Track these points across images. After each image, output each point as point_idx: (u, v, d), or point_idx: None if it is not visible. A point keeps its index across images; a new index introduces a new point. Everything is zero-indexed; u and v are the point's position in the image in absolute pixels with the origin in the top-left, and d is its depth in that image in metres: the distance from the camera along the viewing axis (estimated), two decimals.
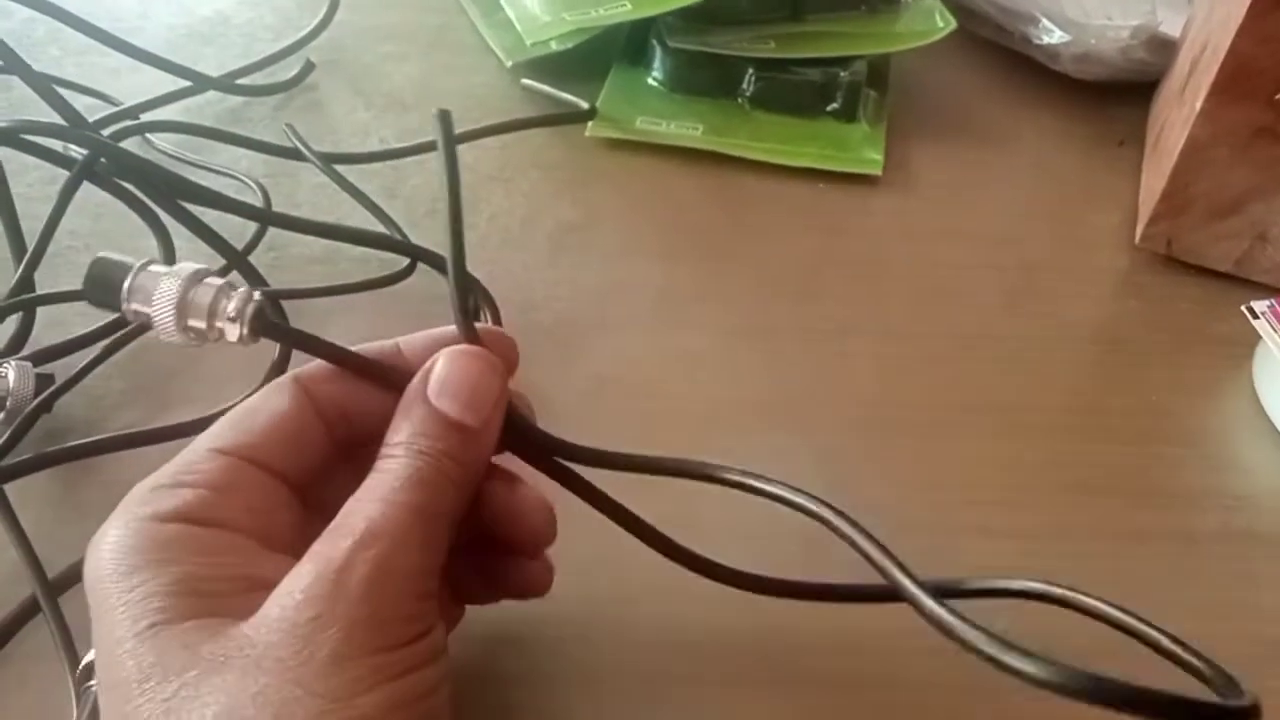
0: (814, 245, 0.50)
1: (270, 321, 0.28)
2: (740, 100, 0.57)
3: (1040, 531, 0.39)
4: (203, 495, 0.25)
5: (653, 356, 0.45)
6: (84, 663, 0.30)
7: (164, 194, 0.42)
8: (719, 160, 0.54)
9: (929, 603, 0.26)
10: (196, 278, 0.27)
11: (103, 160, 0.42)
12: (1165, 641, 0.28)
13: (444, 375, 0.27)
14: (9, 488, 0.36)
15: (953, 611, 0.25)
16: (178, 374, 0.42)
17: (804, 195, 0.53)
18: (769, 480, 0.30)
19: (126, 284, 0.27)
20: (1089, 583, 0.37)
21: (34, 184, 0.50)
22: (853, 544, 0.28)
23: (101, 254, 0.27)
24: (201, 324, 0.27)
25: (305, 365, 0.29)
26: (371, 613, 0.23)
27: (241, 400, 0.38)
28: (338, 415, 0.28)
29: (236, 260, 0.44)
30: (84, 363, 0.41)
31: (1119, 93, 0.59)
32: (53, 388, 0.40)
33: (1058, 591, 0.31)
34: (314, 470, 0.28)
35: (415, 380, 0.27)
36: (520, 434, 0.30)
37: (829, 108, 0.56)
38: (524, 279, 0.48)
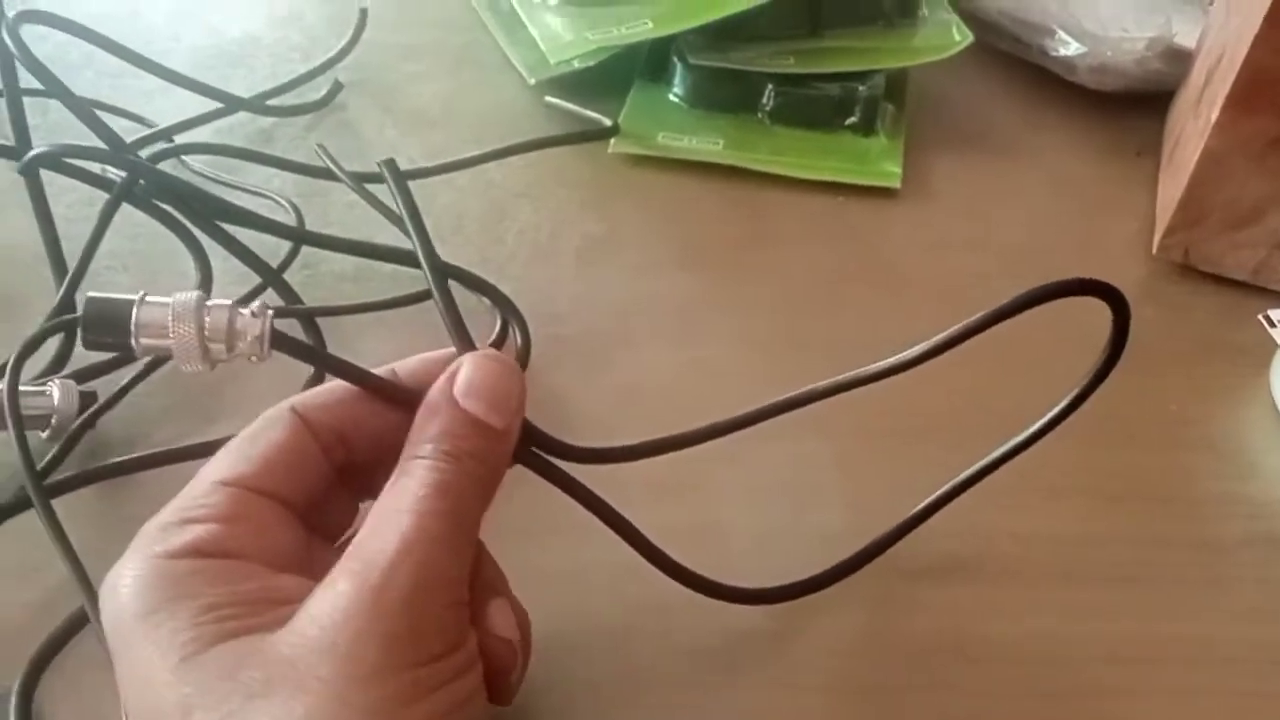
0: (835, 257, 0.51)
1: (284, 336, 0.28)
2: (760, 115, 0.58)
3: (1064, 536, 0.40)
4: (210, 529, 0.26)
5: (677, 368, 0.46)
6: None
7: (201, 215, 0.43)
8: (740, 174, 0.55)
9: None
10: (203, 302, 0.27)
11: (141, 182, 0.44)
12: None
13: (471, 377, 0.27)
14: (56, 503, 0.37)
15: None
16: (216, 390, 0.44)
17: (824, 208, 0.54)
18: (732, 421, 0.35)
19: (134, 319, 0.26)
20: (1116, 588, 0.38)
21: (72, 205, 0.51)
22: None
23: (90, 294, 0.27)
24: (221, 346, 0.27)
25: (302, 393, 0.30)
26: (410, 626, 0.24)
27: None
28: (334, 439, 0.29)
29: (272, 278, 0.45)
30: (125, 380, 0.42)
31: (1135, 103, 0.60)
32: (96, 405, 0.41)
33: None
34: (313, 493, 0.29)
35: (439, 383, 0.28)
36: (528, 434, 0.31)
37: (848, 121, 0.57)
38: (550, 292, 0.49)
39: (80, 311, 0.27)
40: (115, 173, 0.46)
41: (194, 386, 0.44)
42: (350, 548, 0.25)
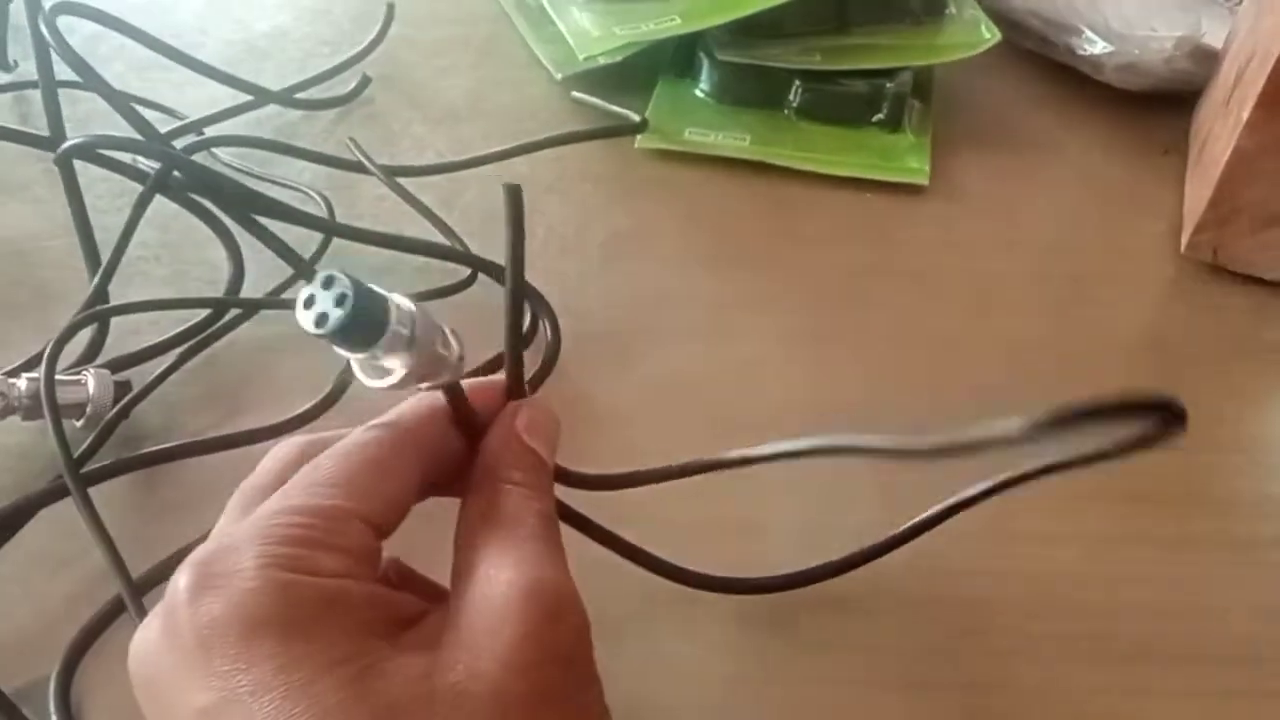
0: (862, 254, 0.51)
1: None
2: (787, 111, 0.58)
3: (1097, 536, 0.40)
4: (345, 560, 0.25)
5: (706, 364, 0.46)
6: None
7: (235, 206, 0.44)
8: (766, 170, 0.55)
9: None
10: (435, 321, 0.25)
11: (175, 173, 0.44)
12: None
13: (534, 419, 0.29)
14: (92, 492, 0.37)
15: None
16: (248, 380, 0.44)
17: (851, 205, 0.54)
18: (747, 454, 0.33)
19: (391, 330, 0.24)
20: (1148, 588, 0.38)
21: (102, 196, 0.51)
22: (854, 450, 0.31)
23: (347, 274, 0.23)
24: (429, 379, 0.26)
25: (405, 409, 0.28)
26: (579, 652, 0.25)
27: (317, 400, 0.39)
28: (428, 469, 0.29)
29: (303, 270, 0.45)
30: (159, 370, 0.43)
31: (1162, 102, 0.59)
32: (130, 395, 0.41)
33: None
34: None
35: (506, 421, 0.29)
36: None
37: (875, 118, 0.57)
38: (579, 287, 0.49)
39: (347, 294, 0.23)
40: (147, 164, 0.46)
41: (225, 377, 0.44)
42: (492, 566, 0.25)
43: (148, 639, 0.25)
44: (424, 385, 0.27)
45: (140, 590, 0.36)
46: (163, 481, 0.40)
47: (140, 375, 0.43)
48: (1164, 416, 0.25)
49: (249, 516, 0.26)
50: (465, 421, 0.29)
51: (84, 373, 0.41)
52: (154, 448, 0.40)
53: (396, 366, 0.25)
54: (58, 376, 0.39)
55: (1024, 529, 0.39)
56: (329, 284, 0.23)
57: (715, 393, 0.45)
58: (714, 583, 0.36)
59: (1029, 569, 0.39)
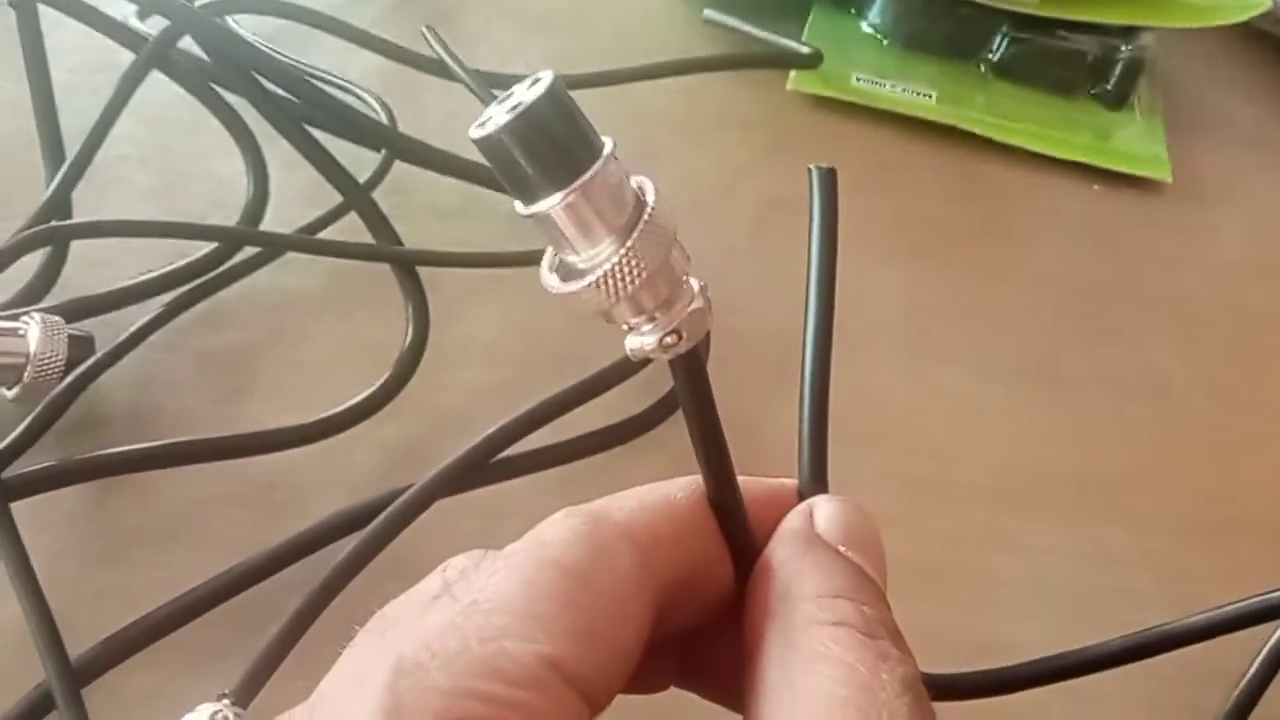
0: (1098, 266, 0.39)
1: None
2: (981, 65, 0.45)
3: None
4: None
5: (902, 395, 0.34)
6: None
7: (264, 99, 0.30)
8: (952, 137, 0.42)
9: None
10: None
11: (180, 47, 0.30)
12: None
13: (847, 521, 0.17)
14: (19, 507, 0.24)
15: None
16: (264, 353, 0.31)
17: (1071, 198, 0.41)
18: None
19: (602, 163, 0.14)
20: None
21: (77, 69, 0.38)
22: None
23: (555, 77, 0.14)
24: (651, 303, 0.14)
25: (621, 498, 0.17)
26: None
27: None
28: (665, 601, 0.17)
29: (357, 198, 0.32)
30: (136, 325, 0.29)
31: None
32: (93, 358, 0.28)
33: None
34: None
35: (798, 524, 0.17)
36: None
37: (1096, 88, 0.44)
38: (721, 269, 0.36)
39: (543, 79, 0.14)
40: (143, 29, 0.33)
41: (232, 346, 0.31)
42: None
43: None
44: (644, 330, 0.15)
45: (82, 677, 0.23)
46: (130, 497, 0.27)
47: (108, 329, 0.29)
48: None
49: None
50: (736, 531, 0.17)
51: (25, 318, 0.27)
52: (120, 449, 0.26)
53: (604, 247, 0.14)
54: None
55: None
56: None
57: (921, 439, 0.33)
58: None
59: None
